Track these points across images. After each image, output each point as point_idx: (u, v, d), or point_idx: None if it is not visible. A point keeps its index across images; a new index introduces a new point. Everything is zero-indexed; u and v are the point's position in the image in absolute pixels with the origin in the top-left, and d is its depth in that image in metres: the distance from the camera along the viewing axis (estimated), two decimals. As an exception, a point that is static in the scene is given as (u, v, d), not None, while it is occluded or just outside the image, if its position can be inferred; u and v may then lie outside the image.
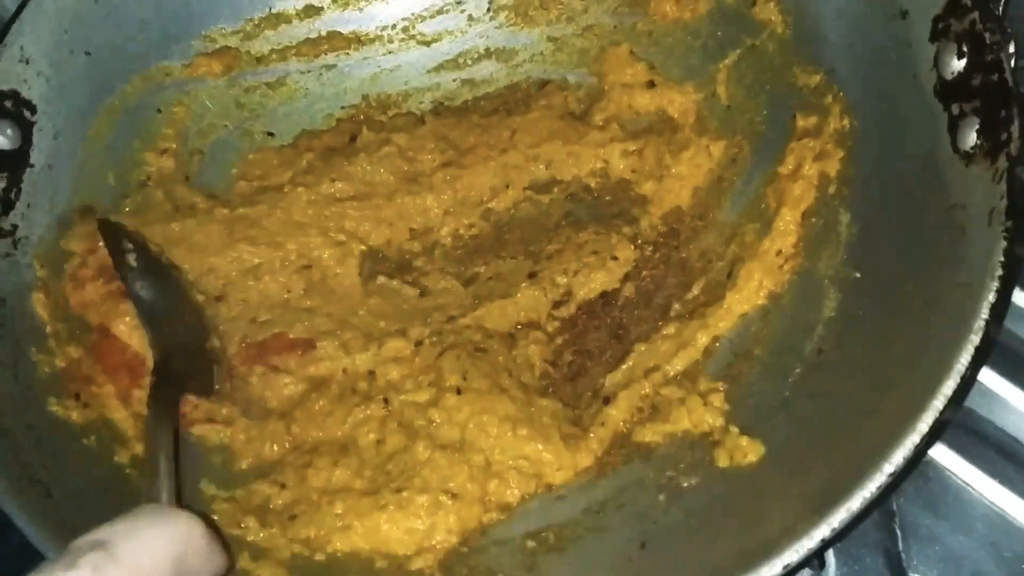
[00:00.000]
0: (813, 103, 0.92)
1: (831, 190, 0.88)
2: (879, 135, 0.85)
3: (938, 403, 0.63)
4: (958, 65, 0.75)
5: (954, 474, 0.88)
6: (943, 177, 0.75)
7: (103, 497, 0.78)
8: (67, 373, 0.86)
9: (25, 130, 0.92)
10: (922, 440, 0.62)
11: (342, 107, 1.11)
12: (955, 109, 0.75)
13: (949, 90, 0.76)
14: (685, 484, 0.79)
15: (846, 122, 0.88)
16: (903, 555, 0.88)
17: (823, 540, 0.61)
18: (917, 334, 0.72)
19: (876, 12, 0.85)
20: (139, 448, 0.84)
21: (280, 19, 1.09)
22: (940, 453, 0.86)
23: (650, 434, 0.84)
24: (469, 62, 1.12)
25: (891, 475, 0.61)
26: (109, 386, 0.86)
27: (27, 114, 0.92)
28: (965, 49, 0.74)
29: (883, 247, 0.81)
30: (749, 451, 0.77)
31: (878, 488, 0.62)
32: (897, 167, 0.82)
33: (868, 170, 0.85)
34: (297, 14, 1.09)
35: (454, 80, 1.12)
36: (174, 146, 1.04)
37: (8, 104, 0.91)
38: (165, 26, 1.02)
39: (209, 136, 1.07)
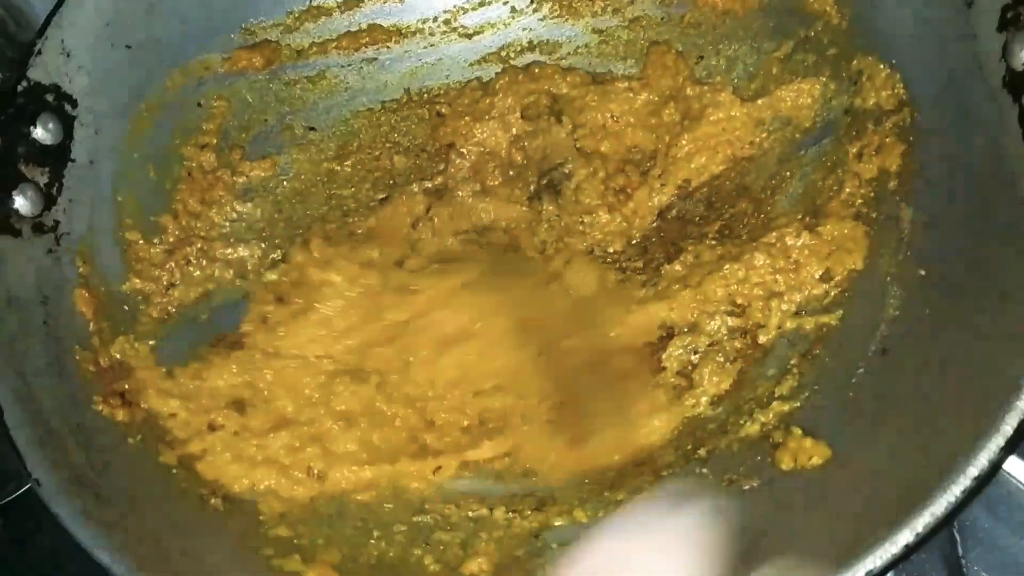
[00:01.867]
0: (871, 96, 0.90)
1: (891, 185, 0.85)
2: (943, 128, 0.82)
3: (1022, 403, 0.61)
4: (1030, 55, 0.72)
5: (1014, 477, 0.85)
6: (1013, 170, 0.73)
7: (151, 498, 0.77)
8: (110, 371, 0.85)
9: (66, 124, 0.90)
10: (1007, 441, 0.60)
11: (382, 101, 1.09)
12: (1027, 101, 0.72)
13: (1020, 81, 0.74)
14: (746, 487, 0.77)
15: (907, 115, 0.86)
16: (963, 561, 0.86)
17: (907, 545, 0.59)
18: (991, 331, 0.69)
19: (940, 2, 0.83)
20: (186, 449, 0.83)
21: (320, 12, 1.07)
22: (1000, 455, 0.84)
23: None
24: (512, 55, 1.10)
25: (976, 479, 0.59)
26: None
27: (68, 108, 0.91)
28: (1037, 39, 0.72)
29: (950, 243, 0.79)
30: (814, 453, 0.75)
31: (963, 492, 0.59)
32: (963, 161, 0.80)
33: (931, 164, 0.83)
34: (338, 6, 1.07)
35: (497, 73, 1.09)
36: (214, 141, 1.02)
37: (49, 98, 0.89)
38: (206, 19, 1.01)
39: (249, 131, 1.05)
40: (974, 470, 0.60)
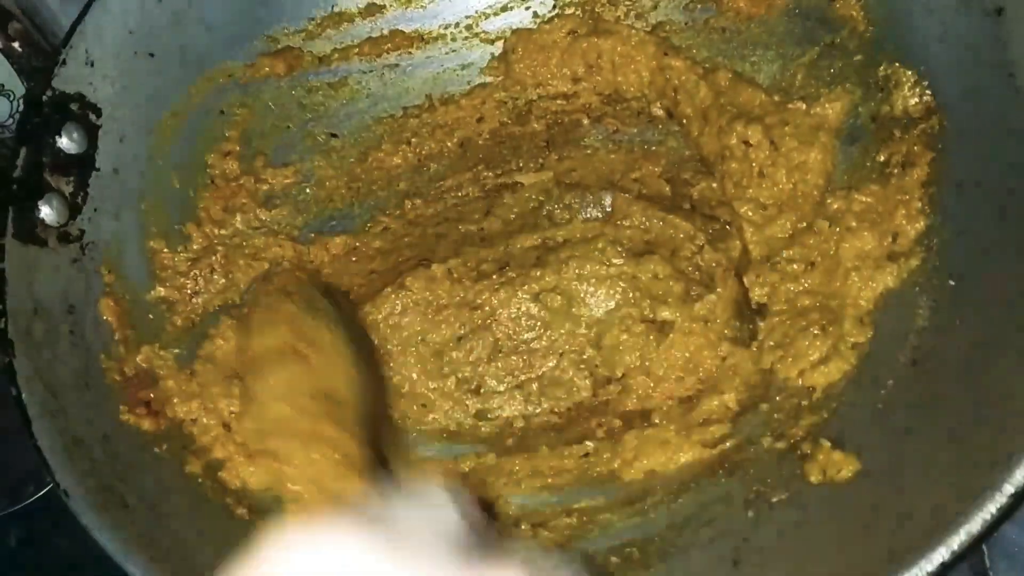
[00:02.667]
0: (899, 103, 0.89)
1: (919, 193, 0.85)
2: (972, 136, 0.82)
3: (1060, 418, 0.60)
4: (1062, 64, 0.71)
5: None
6: (1045, 180, 0.72)
7: (177, 507, 0.77)
8: (136, 380, 0.85)
9: (91, 133, 0.90)
10: (1045, 458, 0.59)
11: (404, 107, 1.09)
12: (1059, 109, 0.72)
13: (1052, 89, 0.73)
14: (775, 500, 0.77)
15: (935, 123, 0.85)
16: (991, 573, 0.85)
17: (943, 564, 0.58)
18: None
19: (970, 9, 0.82)
20: (210, 457, 0.83)
21: (343, 18, 1.06)
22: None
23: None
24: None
25: (1012, 495, 0.58)
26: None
27: (93, 117, 0.91)
28: (1070, 47, 0.71)
29: (980, 253, 0.78)
30: (843, 466, 0.74)
31: (999, 509, 0.59)
32: (992, 170, 0.79)
33: (960, 173, 0.82)
34: (359, 12, 1.07)
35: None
36: (237, 148, 1.02)
37: (74, 107, 0.89)
38: (229, 26, 1.01)
39: (272, 138, 1.05)
40: (1010, 487, 0.59)
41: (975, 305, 0.76)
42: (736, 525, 0.76)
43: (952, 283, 0.79)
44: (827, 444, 0.77)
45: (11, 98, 1.10)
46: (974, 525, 0.59)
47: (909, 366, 0.78)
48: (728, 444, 0.83)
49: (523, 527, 0.83)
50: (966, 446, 0.68)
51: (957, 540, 0.59)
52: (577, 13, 1.07)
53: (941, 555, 0.59)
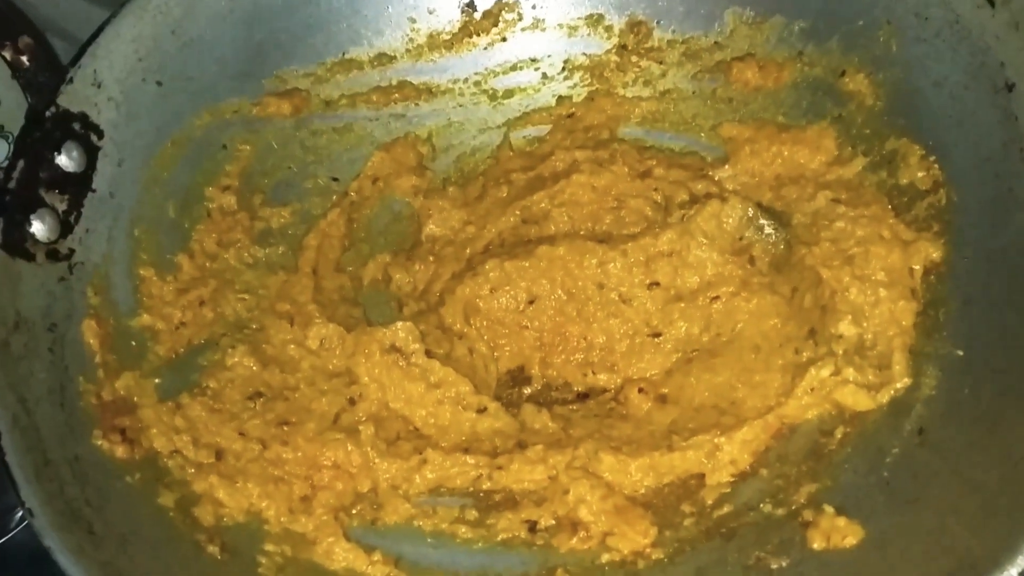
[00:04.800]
0: (905, 176, 0.89)
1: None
2: (981, 210, 0.82)
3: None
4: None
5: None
6: (1055, 254, 0.72)
7: (146, 539, 0.73)
8: (113, 406, 0.81)
9: (91, 154, 0.89)
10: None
11: (405, 159, 1.08)
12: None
13: (1062, 165, 0.74)
14: (775, 566, 0.74)
15: (942, 196, 0.85)
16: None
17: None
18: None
19: (980, 84, 0.83)
20: (186, 490, 0.79)
21: (352, 65, 1.07)
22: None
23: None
24: (539, 119, 1.09)
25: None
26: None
27: (94, 138, 0.89)
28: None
29: (988, 324, 0.77)
30: (847, 533, 0.72)
31: (1019, 573, 0.56)
32: (1002, 241, 0.79)
33: (969, 245, 0.82)
34: (370, 61, 1.07)
35: (524, 137, 1.09)
36: (236, 183, 1.01)
37: (76, 126, 0.88)
38: (239, 62, 1.00)
39: (272, 176, 1.04)
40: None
41: (983, 375, 0.75)
42: (734, 591, 0.72)
43: (960, 352, 0.77)
44: (831, 511, 0.74)
45: (9, 140, 1.09)
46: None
47: (915, 435, 0.76)
48: (725, 509, 0.80)
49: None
50: (975, 516, 0.65)
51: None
52: (584, 75, 1.08)
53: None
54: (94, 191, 0.89)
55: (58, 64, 0.90)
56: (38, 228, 0.83)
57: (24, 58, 0.88)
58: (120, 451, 0.78)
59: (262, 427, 0.86)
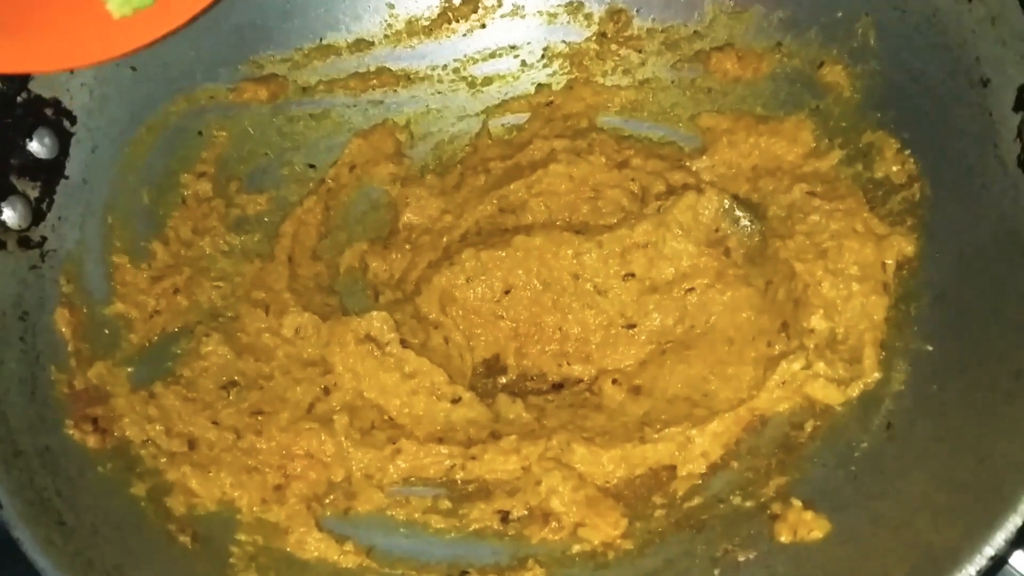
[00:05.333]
0: (881, 169, 0.89)
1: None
2: (954, 205, 0.82)
3: (1042, 484, 0.59)
4: (1046, 137, 0.72)
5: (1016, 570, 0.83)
6: (1026, 248, 0.72)
7: (117, 530, 0.73)
8: (85, 395, 0.81)
9: (63, 140, 0.88)
10: (1024, 522, 0.58)
11: (384, 145, 1.08)
12: (1042, 182, 0.72)
13: (1035, 160, 0.74)
14: (742, 559, 0.74)
15: (916, 190, 0.86)
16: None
17: (919, 627, 0.56)
18: (1005, 411, 0.68)
19: (955, 79, 0.83)
20: (159, 480, 0.79)
21: (330, 50, 1.06)
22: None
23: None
24: (518, 107, 1.09)
25: (992, 557, 0.57)
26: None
27: (67, 124, 0.89)
28: (1055, 121, 0.72)
29: (959, 321, 0.77)
30: (814, 527, 0.73)
31: (978, 571, 0.57)
32: (974, 239, 0.79)
33: (941, 240, 0.82)
34: (348, 47, 1.06)
35: (503, 125, 1.08)
36: (212, 170, 1.00)
37: (48, 112, 0.87)
38: (214, 47, 0.99)
39: (249, 163, 1.03)
40: (990, 549, 0.57)
41: (952, 371, 0.75)
42: (702, 583, 0.73)
43: (930, 348, 0.78)
44: (798, 504, 0.75)
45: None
46: (952, 588, 0.57)
47: (883, 429, 0.77)
48: (696, 501, 0.81)
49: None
50: (941, 511, 0.66)
51: (935, 602, 0.56)
52: (563, 63, 1.08)
53: (918, 617, 0.56)
54: (67, 178, 0.88)
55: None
56: (9, 215, 0.82)
57: (-5, 42, 0.86)
58: (92, 441, 0.78)
59: (236, 416, 0.86)
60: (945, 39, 0.84)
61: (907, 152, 0.87)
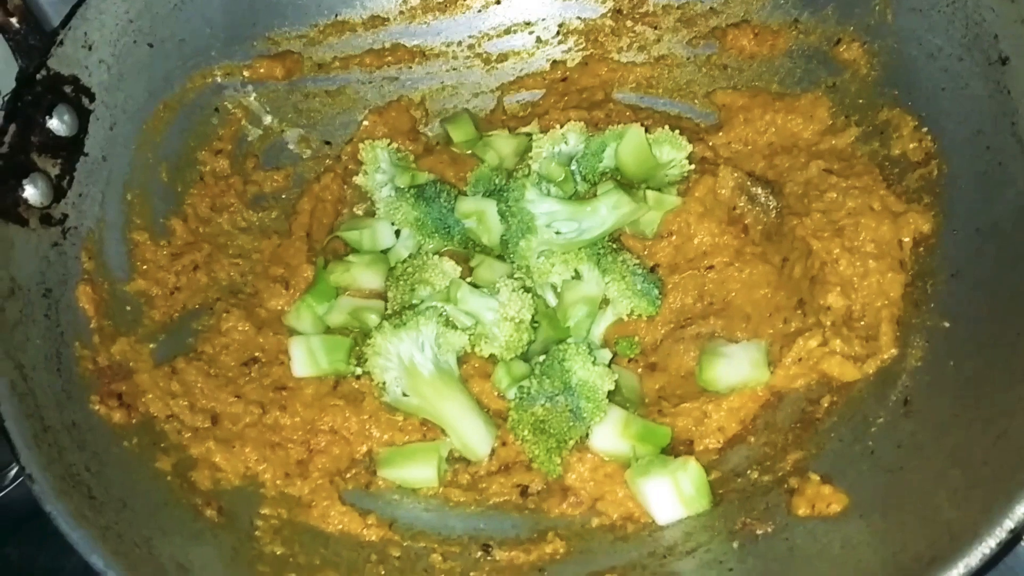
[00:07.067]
0: (897, 147, 0.89)
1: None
2: (972, 182, 0.82)
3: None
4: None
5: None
6: (1043, 226, 0.73)
7: (144, 504, 0.74)
8: (109, 371, 0.82)
9: (82, 118, 0.88)
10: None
11: (399, 121, 1.08)
12: (1060, 159, 0.72)
13: (1053, 138, 0.74)
14: (760, 532, 0.75)
15: (934, 168, 0.86)
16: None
17: (941, 598, 0.57)
18: (1022, 387, 0.68)
19: (973, 57, 0.83)
20: (183, 455, 0.80)
21: (345, 27, 1.06)
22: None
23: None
24: (533, 84, 1.09)
25: (1011, 531, 0.58)
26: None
27: (86, 102, 0.89)
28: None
29: (976, 297, 0.78)
30: (832, 500, 0.73)
31: (998, 544, 0.58)
32: (992, 215, 0.79)
33: (959, 217, 0.82)
34: (363, 23, 1.06)
35: (517, 101, 1.09)
36: (229, 147, 1.01)
37: (67, 89, 0.87)
38: (230, 24, 1.00)
39: (265, 140, 1.04)
40: (1010, 523, 0.58)
41: (969, 347, 0.76)
42: (721, 556, 0.74)
43: (947, 324, 0.78)
44: (816, 478, 0.75)
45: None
46: (972, 558, 0.58)
47: (901, 405, 0.77)
48: (713, 475, 0.82)
49: (512, 552, 0.80)
50: (959, 485, 0.67)
51: (955, 574, 0.57)
52: (579, 40, 1.08)
53: (940, 589, 0.57)
54: (86, 155, 0.88)
55: (49, 26, 0.89)
56: (31, 193, 0.83)
57: (14, 20, 0.87)
58: (117, 416, 0.79)
59: (260, 391, 0.87)
60: (963, 16, 0.84)
61: (924, 130, 0.88)
